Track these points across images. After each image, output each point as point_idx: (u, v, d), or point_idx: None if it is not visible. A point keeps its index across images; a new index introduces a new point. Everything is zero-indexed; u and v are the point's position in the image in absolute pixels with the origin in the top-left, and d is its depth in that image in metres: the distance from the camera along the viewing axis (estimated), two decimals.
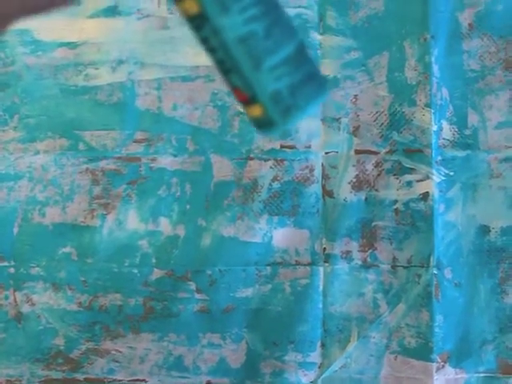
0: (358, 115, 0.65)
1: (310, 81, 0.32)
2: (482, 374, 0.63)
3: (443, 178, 0.64)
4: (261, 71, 0.31)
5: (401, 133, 0.64)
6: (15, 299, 0.64)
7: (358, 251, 0.64)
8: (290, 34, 0.32)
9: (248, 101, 0.32)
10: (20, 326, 0.64)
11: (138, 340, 0.64)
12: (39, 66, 0.65)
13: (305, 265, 0.64)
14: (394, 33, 0.65)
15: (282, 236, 0.64)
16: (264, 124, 0.32)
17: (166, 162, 0.65)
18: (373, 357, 0.64)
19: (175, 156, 0.65)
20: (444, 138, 0.64)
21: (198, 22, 0.31)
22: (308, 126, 0.64)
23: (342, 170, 0.64)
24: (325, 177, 0.64)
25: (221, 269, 0.64)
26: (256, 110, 0.32)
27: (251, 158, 0.65)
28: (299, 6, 0.65)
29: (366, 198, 0.64)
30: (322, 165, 0.65)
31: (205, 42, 0.31)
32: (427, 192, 0.64)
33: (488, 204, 0.64)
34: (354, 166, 0.64)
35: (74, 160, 0.65)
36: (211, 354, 0.64)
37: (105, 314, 0.64)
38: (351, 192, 0.64)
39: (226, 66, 0.31)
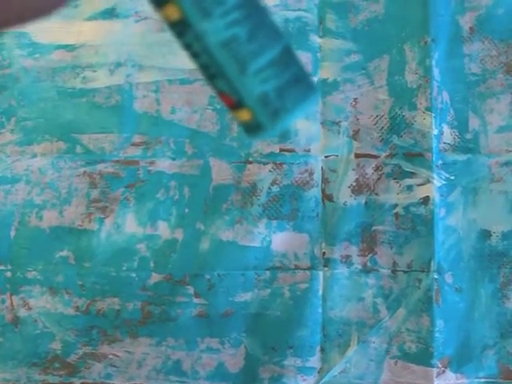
0: (357, 119, 0.64)
1: (297, 83, 0.31)
2: (482, 380, 0.63)
3: (444, 182, 0.64)
4: (246, 75, 0.30)
5: (401, 137, 0.64)
6: (12, 303, 0.64)
7: (358, 255, 0.64)
8: (274, 37, 0.31)
9: (235, 105, 0.31)
10: (17, 330, 0.64)
11: (136, 344, 0.64)
12: (36, 69, 0.65)
13: (304, 269, 0.64)
14: (394, 36, 0.64)
15: (281, 240, 0.64)
16: (253, 128, 0.32)
17: (164, 165, 0.64)
18: (373, 362, 0.63)
19: (173, 159, 0.64)
20: (445, 142, 0.64)
21: (180, 28, 0.30)
22: (307, 130, 0.64)
23: (341, 173, 0.64)
24: (324, 181, 0.64)
25: (219, 273, 0.64)
26: (244, 114, 0.31)
27: (250, 162, 0.64)
28: (299, 9, 0.65)
29: (365, 202, 0.64)
30: (322, 168, 0.64)
31: (188, 47, 0.31)
32: (428, 196, 0.63)
33: (489, 208, 0.64)
34: (353, 169, 0.64)
35: (71, 163, 0.65)
36: (210, 359, 0.64)
37: (102, 318, 0.64)
38: (351, 196, 0.64)
39: (210, 71, 0.31)
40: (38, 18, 0.29)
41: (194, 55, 0.31)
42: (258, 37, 0.30)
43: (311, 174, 0.64)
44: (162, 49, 0.65)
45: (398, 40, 0.64)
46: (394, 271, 0.63)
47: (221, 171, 0.64)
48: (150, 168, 0.65)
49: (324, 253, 0.64)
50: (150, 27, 0.65)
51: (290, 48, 0.32)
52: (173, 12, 0.29)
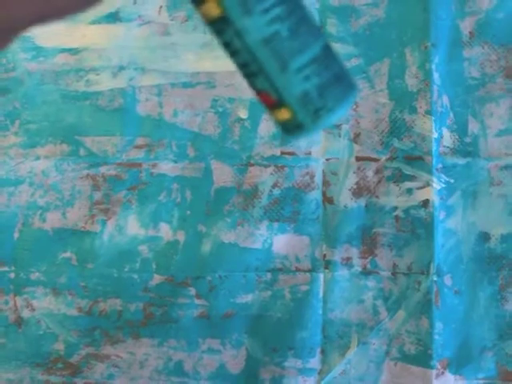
0: (358, 122, 0.65)
1: (339, 81, 0.31)
2: (481, 381, 0.63)
3: (443, 186, 0.64)
4: (288, 73, 0.30)
5: (401, 140, 0.64)
6: (15, 304, 0.64)
7: (358, 258, 0.64)
8: (315, 34, 0.30)
9: (275, 104, 0.31)
10: (20, 331, 0.64)
11: (138, 345, 0.64)
12: (40, 72, 0.65)
13: (305, 271, 0.64)
14: (394, 40, 0.65)
15: (282, 242, 0.64)
16: (292, 128, 0.31)
17: (166, 167, 0.65)
18: (372, 363, 0.64)
19: (176, 162, 0.65)
20: (444, 146, 0.64)
21: (220, 26, 0.30)
22: None
23: (342, 176, 0.64)
24: (325, 183, 0.65)
25: (221, 275, 0.64)
26: (284, 114, 0.31)
27: (252, 165, 0.65)
28: None
29: (366, 205, 0.64)
30: (323, 171, 0.65)
31: (227, 45, 0.30)
32: (427, 199, 0.64)
33: (488, 211, 0.64)
34: (354, 172, 0.64)
35: (74, 165, 0.65)
36: (211, 360, 0.64)
37: (105, 319, 0.64)
38: (351, 199, 0.64)
39: (250, 70, 0.30)
40: (76, 13, 0.29)
41: (234, 53, 0.30)
42: (299, 34, 0.29)
43: (312, 176, 0.64)
44: (164, 52, 0.65)
45: (399, 44, 0.65)
46: (393, 273, 0.64)
47: (222, 174, 0.65)
48: (153, 170, 0.65)
49: (325, 255, 0.64)
50: (152, 31, 0.66)
51: (330, 46, 0.31)
52: (213, 8, 0.29)
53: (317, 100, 0.30)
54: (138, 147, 0.65)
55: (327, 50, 0.31)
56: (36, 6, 0.27)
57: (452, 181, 0.64)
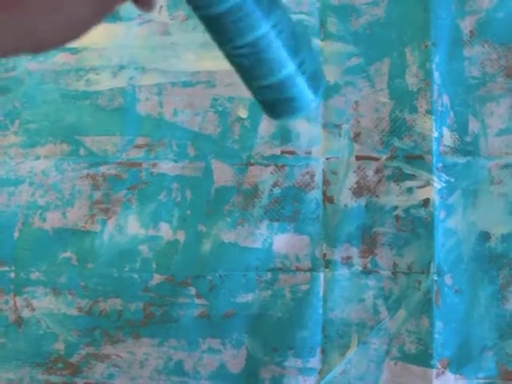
0: (358, 121, 0.65)
1: (292, 101, 0.36)
2: (481, 380, 0.63)
3: (444, 185, 0.64)
4: (251, 86, 0.36)
5: (402, 139, 0.64)
6: (15, 304, 0.64)
7: (359, 257, 0.64)
8: (280, 65, 0.35)
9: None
10: (20, 331, 0.64)
11: (138, 345, 0.64)
12: (41, 71, 0.65)
13: (305, 270, 0.64)
14: (395, 39, 0.65)
15: (282, 242, 0.64)
16: (263, 111, 0.38)
17: (166, 167, 0.65)
18: (373, 362, 0.64)
19: (176, 161, 0.65)
20: (445, 145, 0.64)
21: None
22: (309, 132, 0.65)
23: (342, 175, 0.64)
24: (325, 183, 0.65)
25: (221, 274, 0.64)
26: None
27: (252, 164, 0.65)
28: (301, 13, 0.65)
29: (366, 204, 0.64)
30: (323, 171, 0.65)
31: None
32: (428, 198, 0.64)
33: (488, 210, 0.64)
34: (354, 172, 0.64)
35: (74, 165, 0.65)
36: (211, 360, 0.64)
37: (105, 318, 0.64)
38: (352, 198, 0.64)
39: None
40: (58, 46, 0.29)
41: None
42: (259, 68, 0.35)
43: (312, 176, 0.64)
44: (164, 52, 0.65)
45: (399, 43, 0.65)
46: (394, 273, 0.64)
47: (222, 173, 0.65)
48: (153, 170, 0.65)
49: (325, 254, 0.64)
50: (152, 30, 0.66)
51: (299, 70, 0.36)
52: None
53: (270, 110, 0.37)
54: (138, 147, 0.65)
55: (288, 78, 0.36)
56: (15, 37, 0.27)
57: (452, 180, 0.64)
